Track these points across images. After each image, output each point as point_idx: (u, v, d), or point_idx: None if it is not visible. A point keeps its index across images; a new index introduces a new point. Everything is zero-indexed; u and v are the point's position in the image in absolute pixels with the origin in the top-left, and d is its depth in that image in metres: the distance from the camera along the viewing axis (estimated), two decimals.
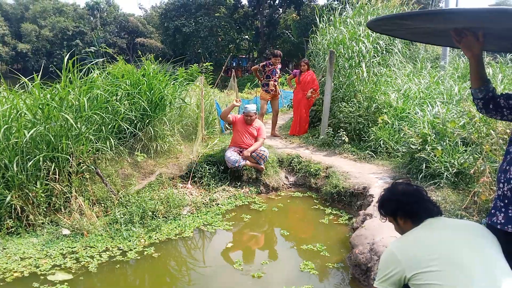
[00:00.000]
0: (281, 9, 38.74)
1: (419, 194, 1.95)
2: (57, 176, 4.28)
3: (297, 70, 8.42)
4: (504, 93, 1.97)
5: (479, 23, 1.85)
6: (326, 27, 8.61)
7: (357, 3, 8.76)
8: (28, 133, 4.08)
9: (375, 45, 7.83)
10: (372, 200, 4.59)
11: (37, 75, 4.71)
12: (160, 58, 7.88)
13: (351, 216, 4.85)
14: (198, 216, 4.81)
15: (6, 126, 4.17)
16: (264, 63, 8.09)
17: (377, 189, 4.81)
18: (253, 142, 5.88)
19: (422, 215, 1.86)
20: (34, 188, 4.08)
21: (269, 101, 8.35)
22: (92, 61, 5.49)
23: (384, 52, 8.39)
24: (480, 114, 4.76)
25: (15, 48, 41.98)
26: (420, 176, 4.88)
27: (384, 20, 2.24)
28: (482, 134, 4.44)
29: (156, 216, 4.47)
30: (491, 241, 1.73)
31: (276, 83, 8.01)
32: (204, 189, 5.48)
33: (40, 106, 4.48)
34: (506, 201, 1.79)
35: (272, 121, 8.43)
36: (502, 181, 1.83)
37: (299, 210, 5.37)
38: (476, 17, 1.80)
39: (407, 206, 1.91)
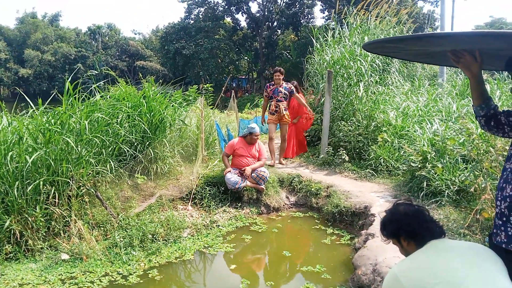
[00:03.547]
0: (279, 31, 39.34)
1: (421, 215, 1.93)
2: (56, 200, 4.26)
3: None
4: (505, 110, 1.98)
5: (469, 45, 1.88)
6: (324, 47, 8.73)
7: (353, 24, 8.91)
8: (30, 158, 4.08)
9: (373, 64, 7.92)
10: (374, 220, 4.55)
11: (41, 100, 4.75)
12: (160, 80, 7.96)
13: (353, 236, 4.80)
14: (198, 239, 4.76)
15: (11, 152, 4.17)
16: (267, 84, 7.63)
17: (378, 208, 4.78)
18: (254, 162, 5.90)
19: (425, 236, 1.84)
20: (34, 212, 4.06)
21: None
22: (94, 84, 5.57)
23: (381, 71, 8.49)
24: (481, 130, 4.81)
25: (17, 73, 42.45)
26: (422, 194, 4.85)
27: (376, 43, 2.30)
28: (482, 151, 4.44)
29: (156, 239, 4.42)
30: (496, 263, 1.70)
31: (280, 103, 7.20)
32: (205, 210, 5.45)
33: (42, 131, 4.50)
34: (504, 218, 1.78)
35: (280, 147, 7.64)
36: (500, 199, 1.83)
37: (301, 231, 5.32)
38: (464, 41, 1.84)
39: (409, 227, 1.89)
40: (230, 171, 5.66)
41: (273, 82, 7.41)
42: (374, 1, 9.56)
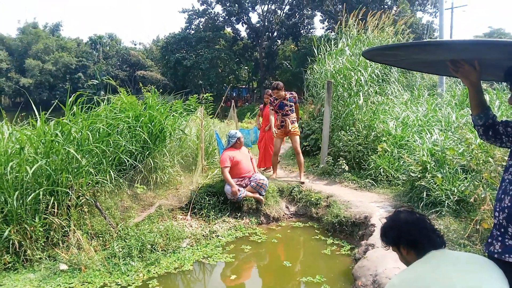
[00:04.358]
0: (279, 41, 39.66)
1: (422, 223, 1.91)
2: (56, 210, 4.25)
3: (262, 105, 7.73)
4: (503, 120, 1.99)
5: (465, 54, 1.90)
6: (324, 58, 8.80)
7: (350, 35, 8.98)
8: (31, 169, 4.08)
9: (373, 74, 7.97)
10: (374, 230, 4.54)
11: (42, 110, 4.78)
12: (161, 90, 8.01)
13: (353, 246, 4.78)
14: (197, 249, 4.74)
15: (12, 162, 4.17)
16: (271, 98, 6.99)
17: (378, 218, 4.76)
18: (251, 163, 6.01)
19: (425, 246, 1.83)
20: (33, 222, 4.05)
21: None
22: (95, 92, 5.61)
23: (381, 81, 8.54)
24: (480, 141, 4.82)
25: (18, 82, 42.64)
26: (421, 204, 4.84)
27: (376, 50, 2.33)
28: (481, 161, 4.44)
29: (155, 249, 4.41)
30: (496, 274, 1.68)
31: (286, 117, 6.72)
32: (204, 220, 5.44)
33: (43, 141, 4.51)
34: (502, 230, 1.78)
35: (298, 162, 6.87)
36: (498, 210, 1.82)
37: (301, 241, 5.29)
38: (459, 49, 1.86)
39: (410, 236, 1.88)
40: (238, 190, 5.54)
41: (275, 96, 6.82)
42: (371, 11, 9.66)
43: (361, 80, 7.63)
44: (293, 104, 6.81)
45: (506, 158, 1.97)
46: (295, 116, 6.80)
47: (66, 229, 4.28)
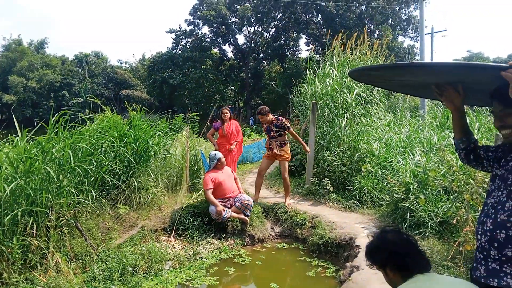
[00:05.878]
0: (265, 62, 40.17)
1: (411, 246, 1.91)
2: (34, 231, 4.13)
3: (217, 122, 7.41)
4: (484, 145, 2.03)
5: (449, 77, 1.95)
6: (310, 79, 8.94)
7: (336, 57, 9.17)
8: (8, 187, 3.97)
9: (357, 97, 8.11)
10: (359, 251, 4.53)
11: (24, 128, 4.69)
12: (146, 109, 7.98)
13: (338, 268, 4.75)
14: (181, 271, 4.64)
15: None
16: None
17: (363, 239, 4.77)
18: (234, 183, 5.97)
19: (412, 269, 1.82)
20: (10, 244, 3.91)
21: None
22: (79, 112, 5.56)
23: (364, 102, 8.70)
24: (460, 162, 4.91)
25: (0, 100, 41.86)
26: (405, 225, 4.87)
27: (361, 71, 2.38)
28: (462, 183, 4.52)
29: (136, 272, 4.29)
30: None
31: (273, 140, 6.52)
32: (188, 242, 5.34)
33: (23, 160, 4.41)
34: (485, 253, 1.79)
35: (284, 187, 6.76)
36: (480, 233, 1.84)
37: (286, 263, 5.24)
38: (440, 71, 1.91)
39: (397, 259, 1.86)
40: (223, 209, 5.48)
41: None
42: (349, 33, 9.91)
43: (347, 102, 7.76)
44: (281, 129, 6.49)
45: (487, 180, 2.01)
46: (284, 139, 6.55)
47: (44, 251, 4.14)
